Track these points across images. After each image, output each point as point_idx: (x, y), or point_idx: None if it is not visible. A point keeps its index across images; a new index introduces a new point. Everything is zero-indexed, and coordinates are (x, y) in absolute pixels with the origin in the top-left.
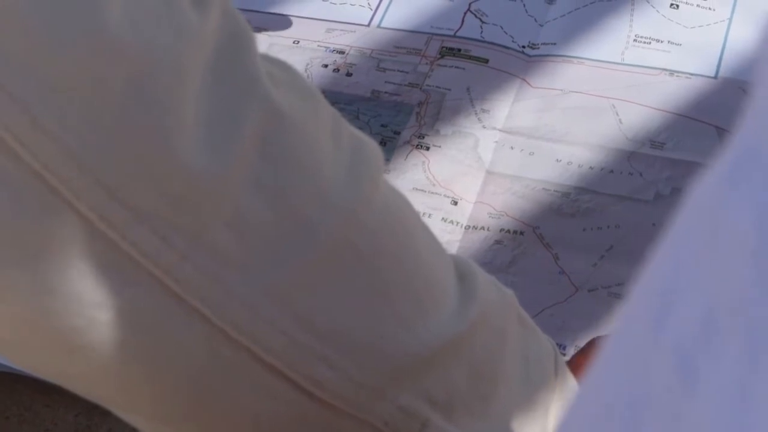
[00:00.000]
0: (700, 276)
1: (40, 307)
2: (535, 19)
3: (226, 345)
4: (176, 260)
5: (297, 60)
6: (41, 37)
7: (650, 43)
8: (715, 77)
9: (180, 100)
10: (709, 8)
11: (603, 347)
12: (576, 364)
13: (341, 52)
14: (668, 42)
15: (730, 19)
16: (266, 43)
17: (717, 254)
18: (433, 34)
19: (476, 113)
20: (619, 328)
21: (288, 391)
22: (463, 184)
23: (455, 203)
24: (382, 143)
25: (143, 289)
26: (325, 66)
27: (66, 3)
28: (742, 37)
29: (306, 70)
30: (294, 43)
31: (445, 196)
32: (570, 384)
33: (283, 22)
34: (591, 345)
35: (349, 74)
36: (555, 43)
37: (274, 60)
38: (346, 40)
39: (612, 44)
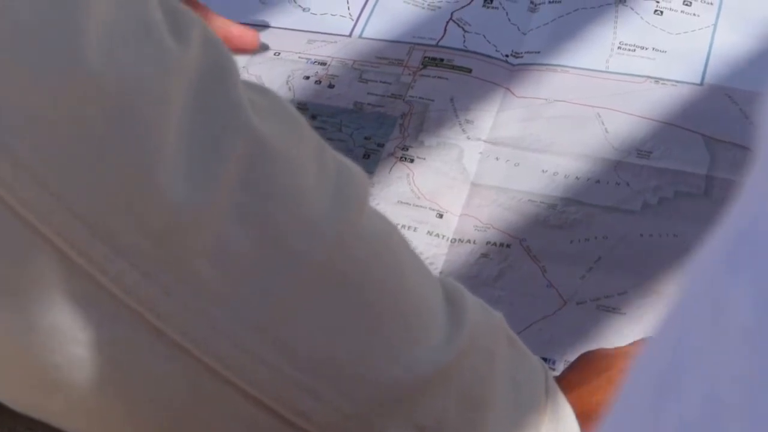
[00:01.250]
0: (702, 358)
1: (20, 343)
2: (518, 28)
3: (208, 378)
4: (158, 295)
5: (278, 72)
6: (18, 73)
7: (635, 50)
8: (701, 84)
9: (161, 133)
10: (694, 14)
11: (601, 426)
12: (566, 380)
13: (323, 64)
14: (653, 49)
15: (715, 25)
16: (247, 55)
17: (717, 337)
18: (415, 43)
19: (460, 124)
20: (619, 408)
21: (272, 423)
22: (449, 196)
23: (440, 216)
24: (366, 156)
25: (124, 324)
26: (307, 78)
27: (43, 38)
28: (727, 43)
29: (287, 82)
30: (275, 54)
31: (430, 209)
32: (560, 404)
33: None
34: (581, 360)
35: (331, 86)
36: (539, 52)
37: (255, 86)
38: (327, 51)
39: (596, 52)
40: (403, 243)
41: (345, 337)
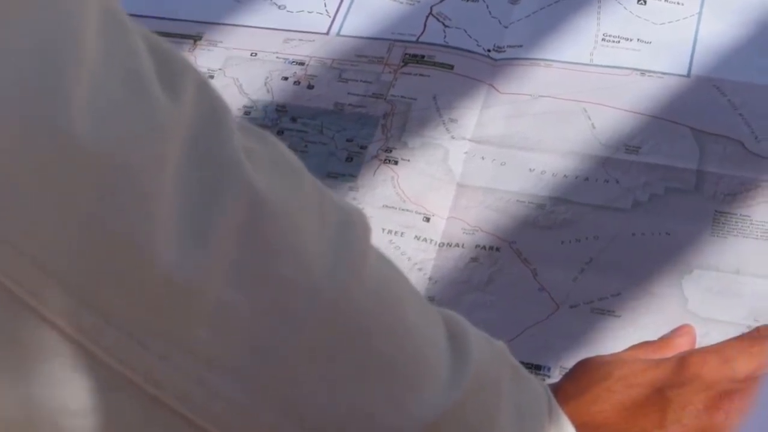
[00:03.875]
0: None
1: (11, 416)
2: (500, 21)
3: None
4: (154, 362)
5: (256, 73)
6: (3, 144)
7: (619, 41)
8: (688, 75)
9: (153, 198)
10: (678, 2)
11: None
12: (563, 390)
13: (301, 64)
14: (637, 40)
15: (700, 14)
16: (223, 56)
17: None
18: (394, 40)
19: (444, 123)
20: None
21: None
22: (435, 199)
23: (427, 220)
24: (349, 159)
25: (119, 393)
26: (285, 78)
27: (29, 107)
28: (713, 33)
29: (266, 84)
30: (251, 55)
31: (416, 212)
32: (563, 425)
33: None
34: (578, 368)
35: (310, 86)
36: (521, 46)
37: (253, 132)
38: (305, 50)
39: (580, 44)
40: (406, 283)
41: (350, 392)
